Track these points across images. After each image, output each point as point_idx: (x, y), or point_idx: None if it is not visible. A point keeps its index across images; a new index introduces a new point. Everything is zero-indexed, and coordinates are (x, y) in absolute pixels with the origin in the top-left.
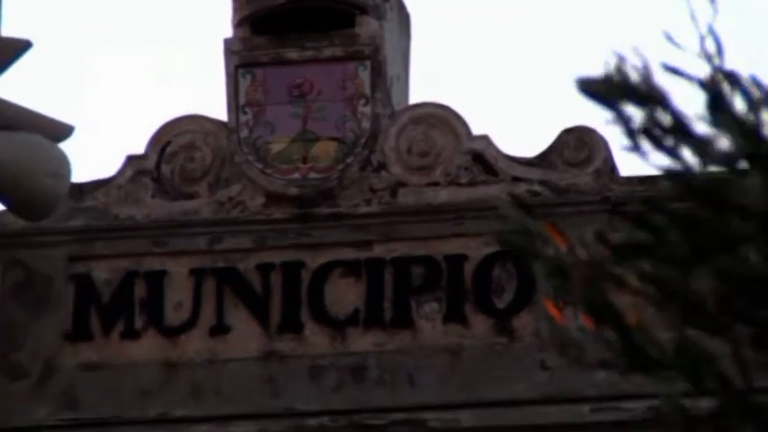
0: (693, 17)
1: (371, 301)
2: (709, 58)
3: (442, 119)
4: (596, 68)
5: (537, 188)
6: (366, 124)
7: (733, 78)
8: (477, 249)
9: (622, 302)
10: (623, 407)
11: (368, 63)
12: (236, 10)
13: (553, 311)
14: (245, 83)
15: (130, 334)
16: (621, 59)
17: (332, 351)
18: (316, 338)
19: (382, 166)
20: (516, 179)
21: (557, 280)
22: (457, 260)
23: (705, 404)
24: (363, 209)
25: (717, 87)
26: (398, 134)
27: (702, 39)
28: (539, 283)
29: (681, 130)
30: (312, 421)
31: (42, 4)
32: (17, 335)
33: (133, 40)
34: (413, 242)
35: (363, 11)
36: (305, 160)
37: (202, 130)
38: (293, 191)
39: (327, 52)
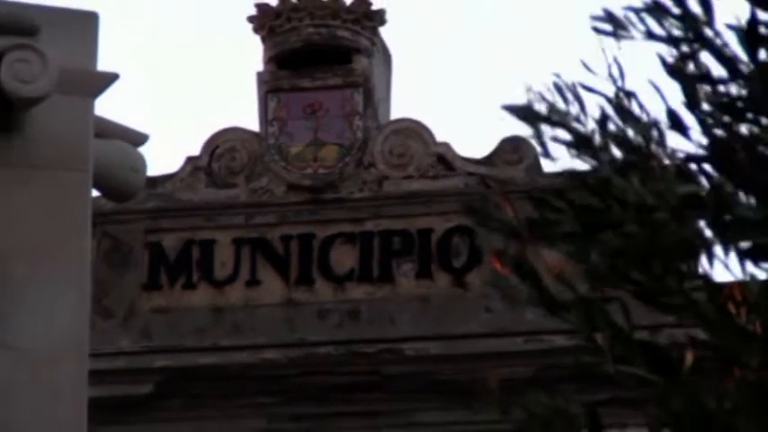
0: (602, 49)
1: (363, 262)
2: (614, 80)
3: (414, 130)
4: (525, 91)
5: (484, 180)
6: (359, 134)
7: (631, 96)
8: (440, 225)
9: (553, 259)
10: (546, 339)
11: (361, 89)
12: (265, 51)
13: (496, 264)
14: (272, 104)
15: (189, 286)
16: (535, 93)
17: (335, 299)
18: (323, 290)
19: (371, 164)
20: (469, 173)
21: (504, 237)
22: (426, 233)
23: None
24: (357, 195)
25: (619, 104)
26: (383, 141)
27: (609, 66)
28: (483, 250)
29: (578, 142)
30: (320, 349)
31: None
32: (107, 287)
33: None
34: (394, 219)
35: (357, 51)
36: (315, 159)
37: (241, 138)
38: (307, 182)
39: (332, 81)
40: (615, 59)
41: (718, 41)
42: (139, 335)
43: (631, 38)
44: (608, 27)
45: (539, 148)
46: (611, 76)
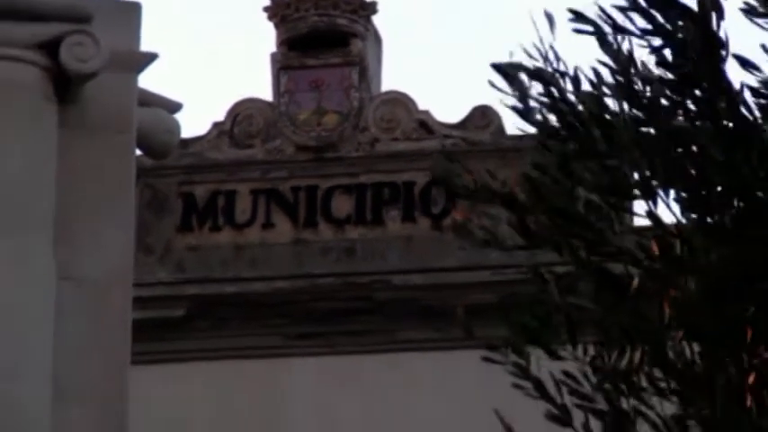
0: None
1: (358, 208)
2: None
3: (400, 100)
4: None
5: (458, 142)
6: (355, 103)
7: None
8: (422, 178)
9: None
10: (508, 272)
11: (357, 67)
12: (278, 36)
13: (460, 215)
14: (283, 79)
15: (215, 228)
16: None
17: (335, 238)
18: (325, 231)
19: (365, 128)
20: (446, 136)
21: (466, 197)
22: (410, 185)
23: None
24: (354, 154)
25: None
26: (375, 109)
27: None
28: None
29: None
30: (323, 280)
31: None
32: (148, 229)
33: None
34: (383, 174)
35: (354, 36)
36: (319, 124)
37: (258, 107)
38: (312, 143)
39: (332, 61)
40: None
41: None
42: (174, 268)
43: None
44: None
45: (519, 105)
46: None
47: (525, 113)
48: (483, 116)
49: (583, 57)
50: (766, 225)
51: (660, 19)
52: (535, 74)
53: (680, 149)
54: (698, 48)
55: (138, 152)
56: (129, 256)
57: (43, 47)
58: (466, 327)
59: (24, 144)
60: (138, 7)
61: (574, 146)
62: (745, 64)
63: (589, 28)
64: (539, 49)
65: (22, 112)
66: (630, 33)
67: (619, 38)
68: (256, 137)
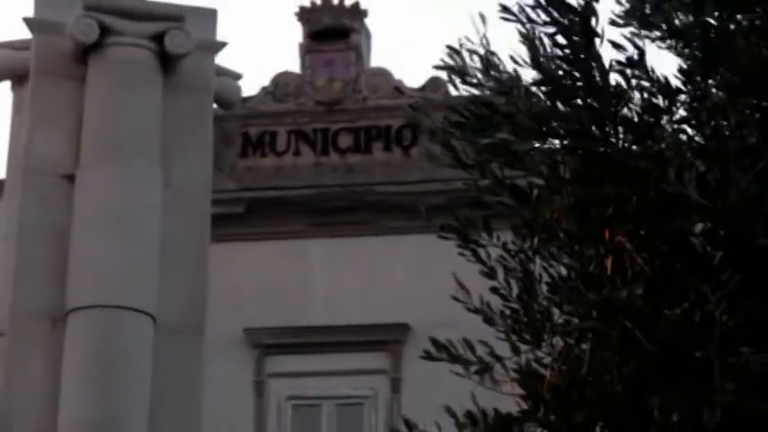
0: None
1: (356, 143)
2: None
3: (383, 73)
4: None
5: (420, 100)
6: (354, 75)
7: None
8: (397, 123)
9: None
10: (454, 183)
11: (354, 52)
12: (304, 31)
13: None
14: (307, 59)
15: (263, 155)
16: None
17: (340, 162)
18: (334, 157)
19: (360, 91)
20: (411, 96)
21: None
22: (389, 127)
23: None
24: (352, 107)
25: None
26: (366, 79)
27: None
28: (418, 135)
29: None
30: (332, 189)
31: None
32: (219, 155)
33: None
34: (372, 120)
35: (353, 31)
36: (330, 89)
37: (291, 77)
38: (326, 100)
39: (339, 47)
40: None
41: None
42: (236, 181)
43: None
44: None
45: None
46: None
47: (463, 80)
48: (435, 84)
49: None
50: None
51: (555, 14)
52: (473, 51)
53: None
54: (579, 33)
55: (214, 105)
56: (208, 172)
57: (154, 38)
58: (426, 219)
59: (142, 99)
60: (214, 12)
61: (495, 99)
62: (616, 46)
63: (513, 17)
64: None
65: (140, 79)
66: (535, 22)
67: (529, 27)
68: (290, 96)
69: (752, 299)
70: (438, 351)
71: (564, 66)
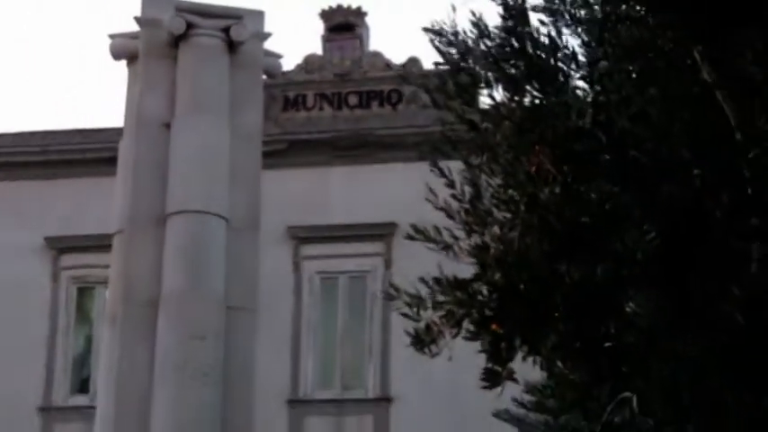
0: None
1: (360, 101)
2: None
3: (377, 54)
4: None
5: (403, 72)
6: (358, 55)
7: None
8: (387, 87)
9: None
10: (434, 127)
11: (358, 40)
12: (324, 26)
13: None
14: (327, 46)
15: (297, 110)
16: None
17: (351, 114)
18: (345, 111)
19: (362, 66)
20: (398, 69)
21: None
22: (382, 90)
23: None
24: (358, 77)
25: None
26: (366, 59)
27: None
28: (403, 93)
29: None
30: (345, 132)
31: None
32: (267, 110)
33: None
34: (372, 84)
35: (357, 26)
36: (342, 65)
37: (316, 57)
38: (340, 72)
39: (348, 36)
40: None
41: None
42: (280, 127)
43: None
44: None
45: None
46: None
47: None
48: (413, 62)
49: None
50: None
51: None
52: (441, 31)
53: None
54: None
55: (263, 76)
56: (260, 122)
57: (223, 30)
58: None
59: (215, 72)
60: (263, 13)
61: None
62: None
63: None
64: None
65: (213, 58)
66: None
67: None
68: (315, 70)
69: (630, 190)
70: (417, 233)
71: (507, 39)
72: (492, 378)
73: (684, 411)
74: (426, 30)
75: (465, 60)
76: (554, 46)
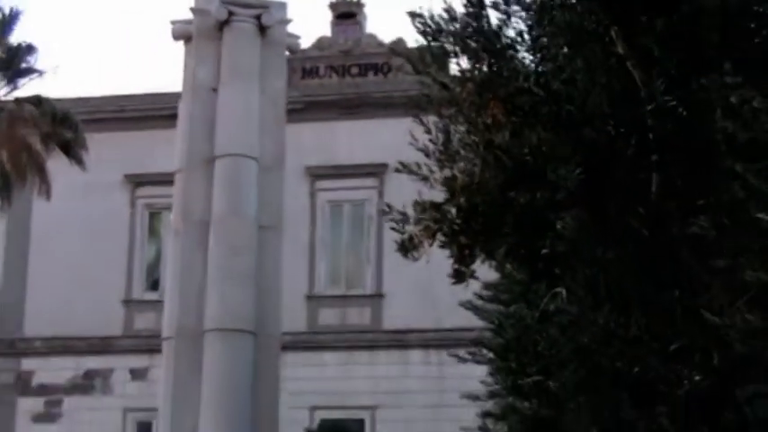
0: None
1: (361, 71)
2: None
3: (372, 36)
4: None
5: (393, 46)
6: (358, 37)
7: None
8: (381, 60)
9: None
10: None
11: (358, 25)
12: (333, 14)
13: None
14: (335, 29)
15: (312, 78)
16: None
17: (353, 80)
18: (348, 78)
19: (360, 45)
20: (384, 48)
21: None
22: (377, 63)
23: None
24: (358, 53)
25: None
26: (364, 40)
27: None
28: (393, 65)
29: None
30: (353, 95)
31: None
32: (289, 78)
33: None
34: (369, 58)
35: (356, 14)
36: (347, 44)
37: (327, 38)
38: (345, 49)
39: (350, 22)
40: None
41: None
42: (300, 91)
43: None
44: None
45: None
46: None
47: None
48: (399, 41)
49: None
50: None
51: None
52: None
53: (472, 39)
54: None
55: (286, 53)
56: (283, 86)
57: (255, 17)
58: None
59: (249, 49)
60: (285, 4)
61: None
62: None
63: None
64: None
65: (248, 39)
66: None
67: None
68: (325, 48)
69: (561, 135)
70: (403, 169)
71: (469, 22)
72: (459, 276)
73: (601, 302)
74: (410, 14)
75: (438, 37)
76: (505, 27)
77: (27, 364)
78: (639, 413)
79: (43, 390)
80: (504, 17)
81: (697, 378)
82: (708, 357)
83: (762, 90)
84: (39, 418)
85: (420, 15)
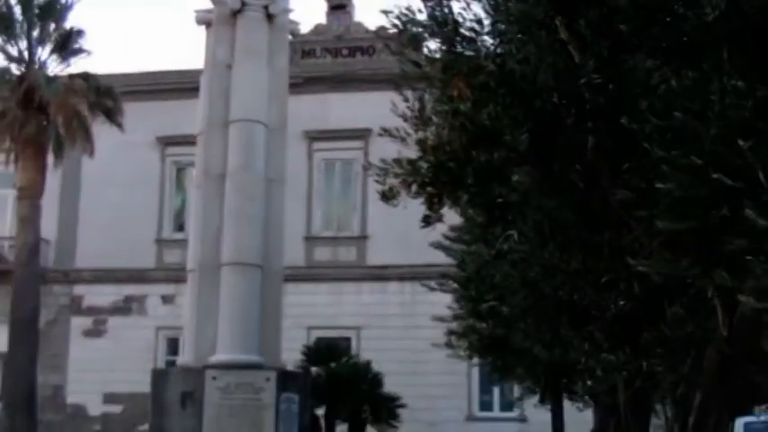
0: None
1: (351, 52)
2: None
3: (359, 23)
4: None
5: (379, 31)
6: (348, 24)
7: None
8: (367, 43)
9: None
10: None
11: (349, 15)
12: (327, 5)
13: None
14: (329, 18)
15: (315, 59)
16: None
17: (348, 60)
18: (340, 59)
19: (350, 29)
20: (374, 28)
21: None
22: (365, 46)
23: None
24: (350, 37)
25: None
26: (353, 26)
27: None
28: (377, 47)
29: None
30: (339, 73)
31: None
32: (291, 58)
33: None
34: (358, 43)
35: (347, 5)
36: (339, 30)
37: (323, 24)
38: (337, 33)
39: (342, 13)
40: None
41: None
42: (299, 68)
43: None
44: None
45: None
46: None
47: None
48: (384, 27)
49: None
50: None
51: None
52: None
53: (439, 25)
54: None
55: (289, 36)
56: (287, 65)
57: (264, 6)
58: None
59: (259, 33)
60: None
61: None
62: None
63: None
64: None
65: (258, 24)
66: None
67: None
68: (321, 33)
69: (513, 105)
70: (384, 132)
71: (436, 10)
72: (428, 220)
73: (546, 240)
74: (382, 11)
75: (411, 26)
76: (467, 15)
77: (78, 290)
78: (576, 332)
79: (91, 311)
80: (465, 5)
81: (621, 303)
82: (630, 287)
83: (676, 72)
84: (88, 334)
85: (391, 12)
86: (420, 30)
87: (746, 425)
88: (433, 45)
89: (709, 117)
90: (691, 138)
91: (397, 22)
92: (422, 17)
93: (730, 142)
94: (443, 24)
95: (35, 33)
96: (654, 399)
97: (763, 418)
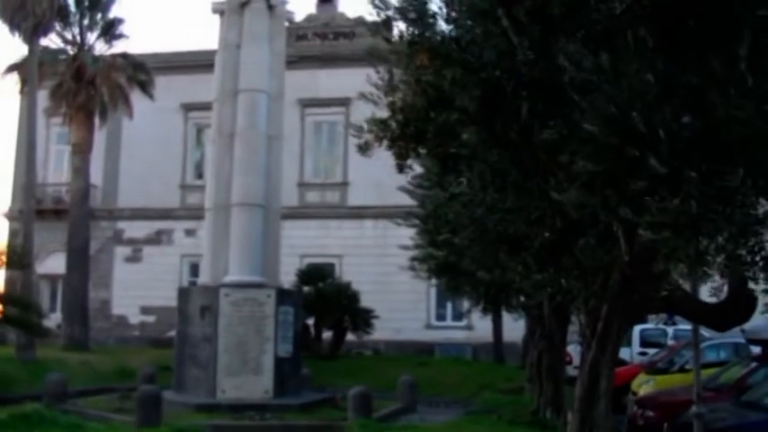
0: None
1: (337, 37)
2: None
3: (344, 14)
4: None
5: (365, 21)
6: (334, 14)
7: None
8: (357, 29)
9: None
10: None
11: (335, 6)
12: (318, 3)
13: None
14: (319, 9)
15: (311, 41)
16: None
17: (334, 44)
18: (329, 43)
19: (336, 19)
20: (355, 21)
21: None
22: (351, 31)
23: None
24: (334, 25)
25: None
26: (338, 15)
27: None
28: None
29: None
30: (328, 53)
31: None
32: (288, 41)
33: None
34: (344, 29)
35: (332, 0)
36: (325, 18)
37: (316, 12)
38: (326, 22)
39: (330, 5)
40: None
41: None
42: (294, 50)
43: None
44: None
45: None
46: None
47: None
48: (361, 17)
49: None
50: None
51: None
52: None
53: (408, 11)
54: None
55: (285, 23)
56: (284, 46)
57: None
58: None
59: (262, 21)
60: None
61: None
62: None
63: None
64: None
65: (261, 14)
66: None
67: None
68: (312, 21)
69: (466, 72)
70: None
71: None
72: (399, 168)
73: (488, 185)
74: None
75: (384, 10)
76: (429, 3)
77: (120, 225)
78: (511, 258)
79: (130, 241)
80: None
81: (547, 235)
82: (554, 222)
83: (596, 51)
84: (128, 260)
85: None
86: (391, 13)
87: (642, 331)
88: (401, 26)
89: (621, 80)
90: (606, 93)
91: (373, 3)
92: (393, 3)
93: (636, 105)
94: (412, 10)
95: (85, 22)
96: (571, 310)
97: (660, 325)
